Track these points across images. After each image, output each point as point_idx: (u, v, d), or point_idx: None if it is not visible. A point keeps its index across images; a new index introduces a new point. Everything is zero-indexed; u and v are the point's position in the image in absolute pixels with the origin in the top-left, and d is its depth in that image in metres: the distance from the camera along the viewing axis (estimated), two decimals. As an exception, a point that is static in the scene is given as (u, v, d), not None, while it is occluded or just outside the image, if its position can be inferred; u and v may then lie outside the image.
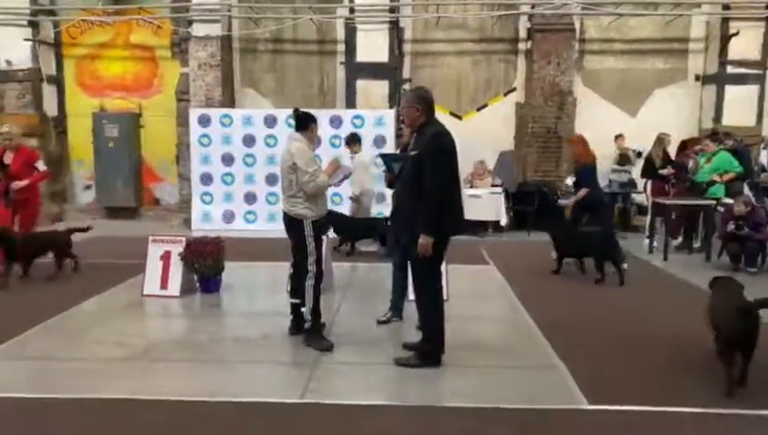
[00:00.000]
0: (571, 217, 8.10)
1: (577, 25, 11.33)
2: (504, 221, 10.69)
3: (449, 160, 4.21)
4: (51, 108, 12.00)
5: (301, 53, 11.94)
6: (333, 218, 7.68)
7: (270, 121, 11.01)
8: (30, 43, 11.44)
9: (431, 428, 3.54)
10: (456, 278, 6.45)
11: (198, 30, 11.18)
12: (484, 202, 10.44)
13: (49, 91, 11.93)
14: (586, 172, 7.83)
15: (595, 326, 5.43)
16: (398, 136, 10.38)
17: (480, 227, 10.39)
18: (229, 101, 11.65)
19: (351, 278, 7.29)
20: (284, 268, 6.82)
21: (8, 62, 11.42)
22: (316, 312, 4.88)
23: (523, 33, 11.67)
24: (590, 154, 7.90)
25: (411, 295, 5.44)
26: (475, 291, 6.87)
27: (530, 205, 10.81)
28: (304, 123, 4.91)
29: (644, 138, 10.39)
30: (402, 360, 4.45)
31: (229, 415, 3.65)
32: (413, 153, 4.27)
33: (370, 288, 6.80)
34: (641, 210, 10.98)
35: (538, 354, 4.75)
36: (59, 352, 4.79)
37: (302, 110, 5.01)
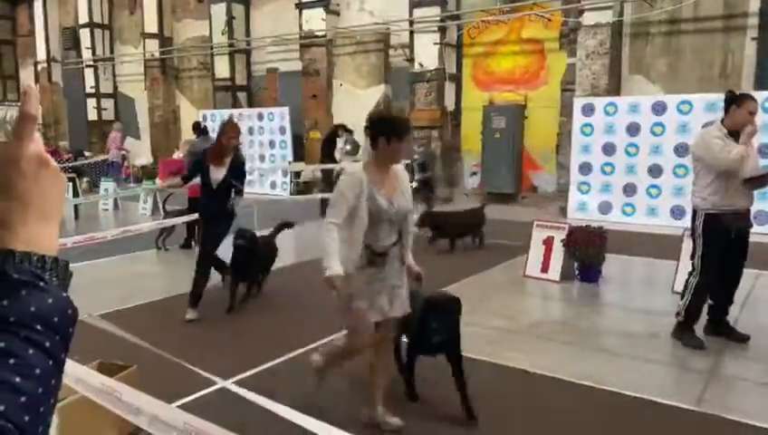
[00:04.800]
0: None
1: None
2: None
3: None
4: (450, 103, 13.61)
5: (701, 31, 10.77)
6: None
7: (658, 109, 10.29)
8: (437, 46, 13.16)
9: None
10: None
11: (589, 18, 11.12)
12: None
13: (449, 88, 13.55)
14: None
15: None
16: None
17: None
18: (615, 89, 11.31)
19: (757, 287, 6.34)
20: (666, 266, 6.42)
21: (421, 65, 13.38)
22: (694, 309, 4.56)
23: None
24: None
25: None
26: None
27: None
28: (726, 106, 4.47)
29: None
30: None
31: (611, 405, 3.65)
32: None
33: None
34: None
35: None
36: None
37: (731, 92, 4.56)
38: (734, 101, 4.39)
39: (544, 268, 6.73)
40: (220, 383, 2.09)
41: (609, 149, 10.81)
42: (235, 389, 2.17)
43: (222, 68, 17.00)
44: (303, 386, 3.53)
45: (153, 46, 18.46)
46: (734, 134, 4.37)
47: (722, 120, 4.48)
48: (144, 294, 6.11)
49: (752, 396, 3.82)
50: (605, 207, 10.89)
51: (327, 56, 14.90)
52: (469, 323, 5.22)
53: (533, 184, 13.02)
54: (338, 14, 14.83)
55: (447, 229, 8.21)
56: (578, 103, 11.06)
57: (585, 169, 11.10)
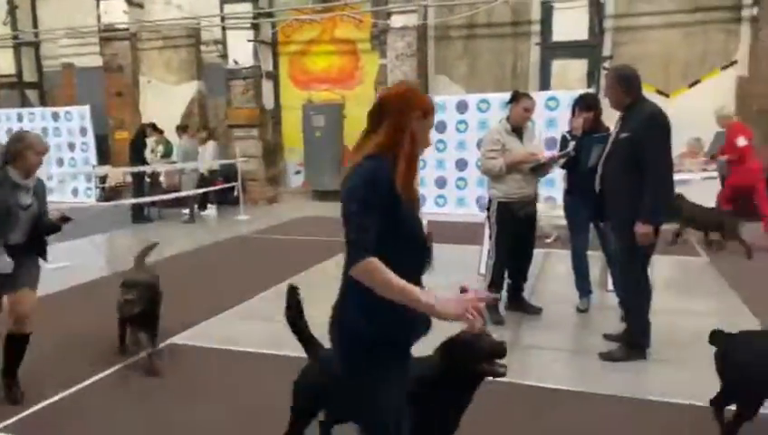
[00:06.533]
0: None
1: (820, -17, 9.73)
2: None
3: (668, 142, 3.96)
4: (268, 101, 13.43)
5: (494, 36, 11.88)
6: None
7: (461, 107, 11.16)
8: (252, 43, 12.90)
9: (635, 419, 3.43)
10: (664, 270, 6.03)
11: (396, 21, 11.69)
12: (695, 188, 9.48)
13: (267, 87, 13.36)
14: None
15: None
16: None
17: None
18: (423, 89, 12.01)
19: (543, 264, 7.17)
20: (474, 251, 7.00)
21: (235, 62, 13.02)
22: (494, 287, 5.03)
23: (748, -2, 10.34)
24: None
25: (610, 285, 5.32)
26: (685, 284, 6.35)
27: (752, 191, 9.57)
28: (509, 105, 4.99)
29: None
30: (606, 354, 4.29)
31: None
32: (623, 136, 4.06)
33: (567, 275, 6.65)
34: None
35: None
36: (282, 316, 5.44)
37: (516, 91, 5.07)
38: (512, 99, 4.95)
39: (366, 261, 6.94)
40: None
41: (420, 145, 11.46)
42: None
43: (5, 63, 14.99)
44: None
45: None
46: (517, 129, 4.93)
47: (507, 118, 5.01)
48: None
49: (545, 362, 4.32)
50: (420, 200, 11.53)
51: (132, 51, 13.85)
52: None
53: (359, 180, 13.34)
54: (141, 6, 13.85)
55: None
56: (390, 102, 11.55)
57: (401, 164, 11.64)
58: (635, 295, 4.21)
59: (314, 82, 13.25)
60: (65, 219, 3.97)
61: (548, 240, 8.09)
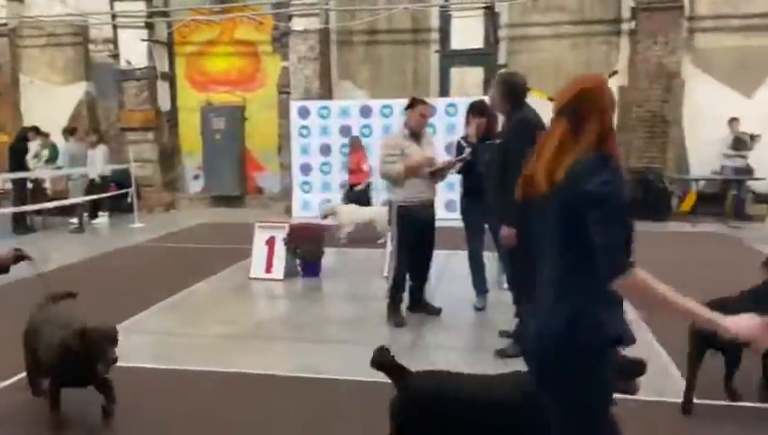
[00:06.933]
0: None
1: (686, 1, 10.65)
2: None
3: (532, 147, 4.12)
4: (164, 103, 12.88)
5: (395, 42, 12.06)
6: None
7: (365, 112, 11.23)
8: (146, 43, 12.32)
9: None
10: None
11: (297, 24, 11.58)
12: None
13: (162, 88, 12.81)
14: None
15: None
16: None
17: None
18: (327, 93, 11.99)
19: (444, 265, 7.33)
20: (379, 254, 7.06)
21: (128, 62, 12.38)
22: (396, 290, 5.10)
23: (626, 13, 11.14)
24: None
25: (505, 284, 5.53)
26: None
27: (633, 193, 10.34)
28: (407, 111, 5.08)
29: (763, 120, 9.66)
30: (500, 351, 4.43)
31: (334, 392, 3.85)
32: (497, 142, 4.23)
33: (466, 276, 6.84)
34: (759, 198, 10.26)
35: (639, 343, 4.58)
36: (177, 328, 5.22)
37: (412, 98, 5.14)
38: (409, 105, 5.04)
39: (268, 268, 6.80)
40: None
41: (325, 149, 11.44)
42: None
43: None
44: None
45: None
46: (415, 135, 5.01)
47: (405, 123, 5.09)
48: None
49: (445, 360, 4.38)
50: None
51: (10, 48, 12.83)
52: (187, 335, 5.02)
53: (259, 185, 13.09)
54: (21, 0, 12.86)
55: None
56: (294, 106, 11.45)
57: (305, 169, 11.57)
58: (525, 294, 4.38)
59: (213, 84, 12.86)
60: (21, 258, 3.04)
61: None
